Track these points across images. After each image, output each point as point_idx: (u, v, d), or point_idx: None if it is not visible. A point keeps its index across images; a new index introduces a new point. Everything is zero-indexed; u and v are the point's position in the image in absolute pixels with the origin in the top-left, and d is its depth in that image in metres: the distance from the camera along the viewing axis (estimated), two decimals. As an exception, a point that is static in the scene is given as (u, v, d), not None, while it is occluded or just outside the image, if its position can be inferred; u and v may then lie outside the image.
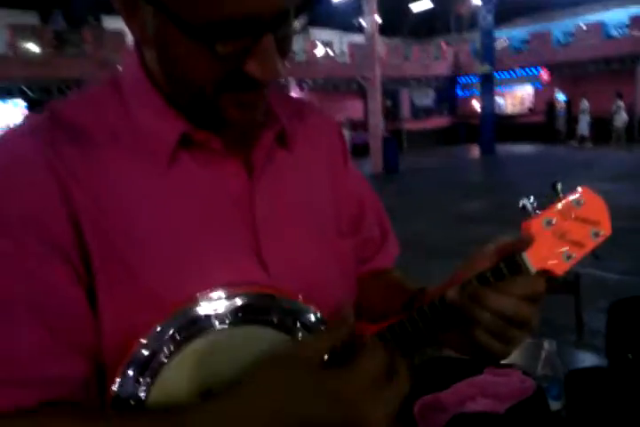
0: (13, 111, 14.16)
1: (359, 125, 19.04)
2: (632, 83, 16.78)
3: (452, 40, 23.23)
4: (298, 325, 0.56)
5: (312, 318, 0.57)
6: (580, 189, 0.56)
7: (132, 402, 0.50)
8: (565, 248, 0.55)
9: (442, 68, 21.51)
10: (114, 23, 17.38)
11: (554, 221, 0.54)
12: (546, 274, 0.54)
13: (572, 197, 0.55)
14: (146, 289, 0.52)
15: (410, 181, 11.44)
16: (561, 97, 17.43)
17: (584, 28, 17.69)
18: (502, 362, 1.36)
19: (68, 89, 13.55)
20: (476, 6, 16.49)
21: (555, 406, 1.21)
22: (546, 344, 1.22)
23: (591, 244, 0.55)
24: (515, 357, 1.47)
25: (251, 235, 0.58)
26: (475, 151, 16.56)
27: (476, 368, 1.27)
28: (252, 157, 0.59)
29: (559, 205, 0.55)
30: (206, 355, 0.52)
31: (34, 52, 12.82)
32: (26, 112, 14.90)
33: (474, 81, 18.73)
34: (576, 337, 1.89)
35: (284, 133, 0.63)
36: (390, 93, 21.17)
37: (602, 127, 15.49)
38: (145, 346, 0.50)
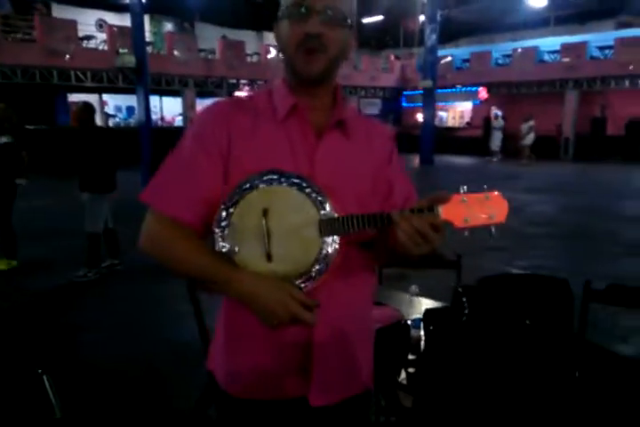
0: (-48, 94, 13.71)
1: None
2: (560, 105, 18.16)
3: (401, 54, 24.22)
4: (318, 199, 0.97)
5: (328, 206, 0.97)
6: (495, 193, 0.93)
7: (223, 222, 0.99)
8: (467, 216, 0.91)
9: (389, 80, 22.37)
10: (63, 12, 17.17)
11: (467, 200, 0.92)
12: (448, 222, 0.92)
13: (485, 194, 0.93)
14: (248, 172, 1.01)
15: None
16: (499, 113, 18.63)
17: (520, 51, 18.95)
18: (382, 302, 1.83)
19: (14, 75, 13.30)
20: (423, 23, 17.36)
21: (416, 333, 1.69)
22: (412, 289, 1.69)
23: (485, 220, 0.92)
24: (391, 300, 1.95)
25: (308, 165, 1.03)
26: (415, 160, 17.40)
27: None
28: (323, 129, 1.06)
29: (475, 195, 0.92)
30: (263, 195, 0.98)
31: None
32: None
33: (419, 93, 19.63)
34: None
35: (344, 122, 1.08)
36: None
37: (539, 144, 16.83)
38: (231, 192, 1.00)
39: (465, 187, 0.94)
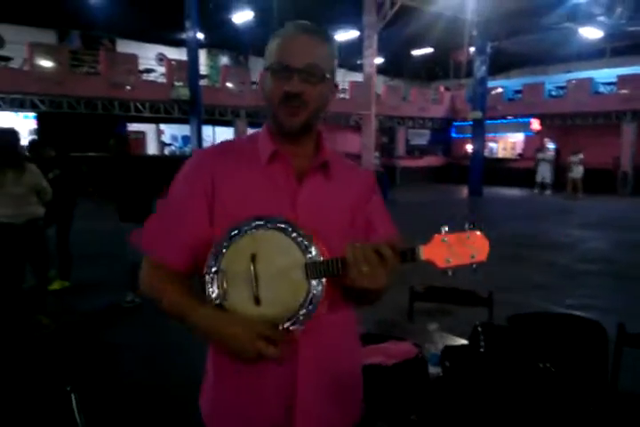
0: (23, 123, 14.70)
1: (355, 159, 19.65)
2: (617, 137, 17.59)
3: (451, 85, 24.24)
4: (304, 243, 0.99)
5: (313, 250, 0.99)
6: (477, 232, 0.95)
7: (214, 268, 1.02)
8: (448, 256, 0.94)
9: (438, 111, 22.37)
10: (126, 46, 18.26)
11: (447, 240, 0.94)
12: (430, 262, 0.95)
13: (466, 233, 0.94)
14: (232, 217, 1.05)
15: (396, 214, 11.93)
16: (551, 146, 18.21)
17: (575, 82, 18.60)
18: (401, 337, 1.80)
19: (78, 106, 14.16)
20: (473, 55, 17.39)
21: (434, 370, 1.65)
22: (431, 326, 1.67)
23: (467, 260, 0.94)
24: (417, 335, 1.91)
25: (290, 208, 1.07)
26: (463, 191, 17.15)
27: (382, 340, 1.71)
28: (305, 173, 1.11)
29: (456, 235, 0.95)
30: (250, 240, 1.01)
31: (49, 69, 13.43)
32: (35, 124, 15.44)
33: (469, 124, 19.50)
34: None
35: (327, 164, 1.13)
36: (387, 131, 21.98)
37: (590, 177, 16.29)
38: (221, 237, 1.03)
39: (446, 227, 0.96)
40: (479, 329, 1.60)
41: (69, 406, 1.56)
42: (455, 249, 0.94)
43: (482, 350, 1.51)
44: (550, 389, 1.43)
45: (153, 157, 15.88)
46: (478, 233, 0.95)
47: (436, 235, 0.95)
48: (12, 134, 4.12)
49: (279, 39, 1.08)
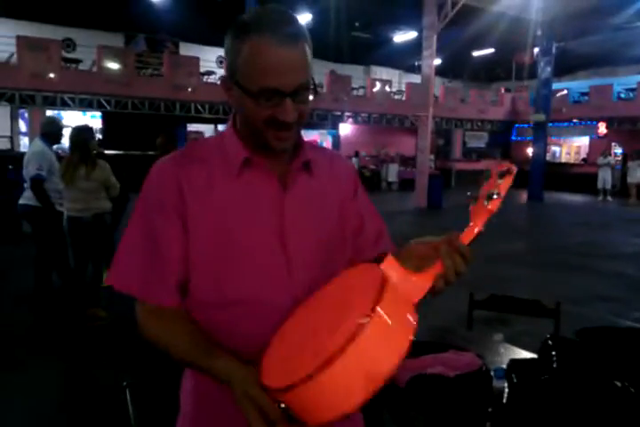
0: (90, 122, 15.37)
1: (409, 161, 19.47)
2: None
3: (512, 87, 23.54)
4: None
5: None
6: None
7: None
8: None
9: (498, 113, 21.77)
10: (189, 49, 18.78)
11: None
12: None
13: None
14: (212, 239, 0.95)
15: (450, 217, 11.62)
16: (618, 150, 17.37)
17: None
18: (463, 348, 1.73)
19: (142, 106, 14.67)
20: (537, 56, 16.81)
21: (499, 384, 1.57)
22: (496, 336, 1.58)
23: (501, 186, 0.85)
24: (478, 346, 1.83)
25: (278, 220, 0.97)
26: (523, 196, 16.59)
27: (443, 349, 1.64)
28: (287, 175, 1.00)
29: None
30: None
31: (115, 71, 13.99)
32: (101, 123, 16.13)
33: (530, 127, 18.87)
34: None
35: (309, 163, 1.03)
36: (444, 133, 21.59)
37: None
38: None
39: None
40: (550, 343, 1.50)
41: (124, 401, 1.58)
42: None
43: (554, 365, 1.42)
44: (628, 410, 1.33)
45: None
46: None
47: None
48: (87, 131, 4.28)
49: (249, 49, 0.88)
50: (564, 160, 21.39)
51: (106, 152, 7.66)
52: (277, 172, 1.00)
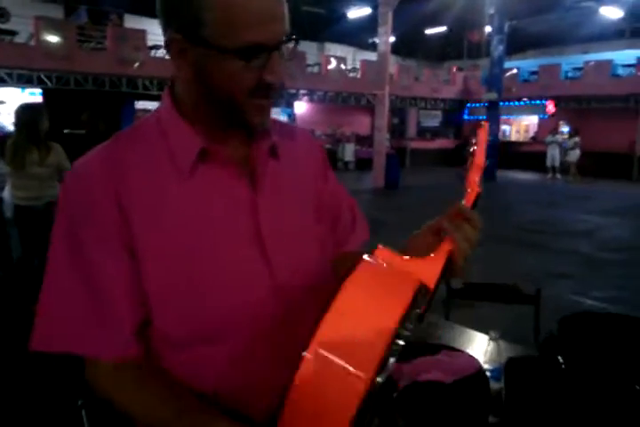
0: (29, 99, 14.44)
1: (365, 140, 19.41)
2: (634, 121, 17.17)
3: (464, 65, 23.69)
4: None
5: None
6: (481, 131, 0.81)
7: None
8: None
9: (451, 92, 21.90)
10: (135, 22, 17.84)
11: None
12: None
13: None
14: (161, 266, 0.73)
15: (408, 198, 11.69)
16: (565, 129, 17.82)
17: (592, 64, 18.08)
18: (456, 348, 1.61)
19: (85, 82, 13.87)
20: (489, 35, 16.91)
21: (496, 386, 1.45)
22: (491, 334, 1.47)
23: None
24: (466, 345, 1.72)
25: (253, 224, 0.78)
26: (475, 175, 16.86)
27: (435, 350, 1.51)
28: (254, 165, 0.81)
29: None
30: None
31: (55, 45, 13.12)
32: (41, 100, 15.20)
33: (482, 106, 19.09)
34: (533, 340, 2.14)
35: (275, 147, 0.85)
36: (398, 112, 21.57)
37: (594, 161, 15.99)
38: None
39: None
40: (552, 339, 1.40)
41: (80, 423, 1.38)
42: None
43: (563, 366, 1.31)
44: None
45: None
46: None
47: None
48: (37, 110, 3.85)
49: None
50: (513, 139, 21.82)
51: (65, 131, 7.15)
52: (237, 158, 0.80)
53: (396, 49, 20.26)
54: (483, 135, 0.81)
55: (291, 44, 0.76)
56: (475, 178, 0.79)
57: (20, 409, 2.80)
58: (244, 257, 0.78)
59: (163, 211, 0.74)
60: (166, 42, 0.75)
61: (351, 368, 0.54)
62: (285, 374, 0.70)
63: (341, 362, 0.54)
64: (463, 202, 0.77)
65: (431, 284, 0.66)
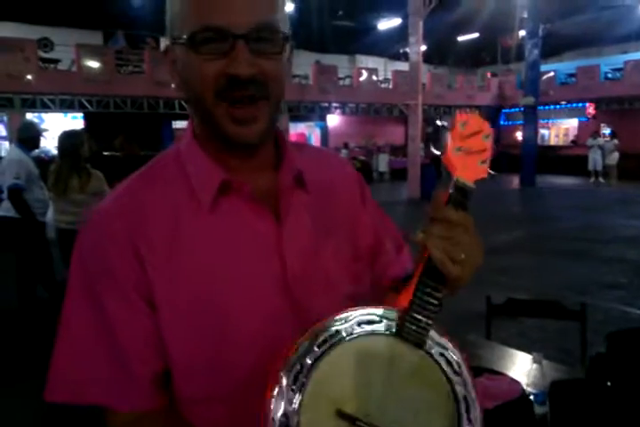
0: (71, 123, 15.01)
1: (399, 150, 19.31)
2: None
3: (498, 71, 23.36)
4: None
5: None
6: (456, 115, 0.71)
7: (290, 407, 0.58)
8: (477, 159, 0.70)
9: (486, 99, 21.60)
10: (171, 44, 18.37)
11: (459, 147, 0.69)
12: (480, 180, 0.70)
13: (457, 124, 0.70)
14: (181, 317, 0.68)
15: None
16: (607, 131, 17.30)
17: (632, 64, 17.52)
18: (497, 371, 1.55)
19: (124, 105, 14.34)
20: (523, 39, 16.63)
21: (540, 410, 1.39)
22: (534, 356, 1.41)
23: (487, 144, 0.71)
24: (508, 367, 1.66)
25: (278, 263, 0.71)
26: (515, 181, 16.50)
27: (476, 373, 1.46)
28: (277, 198, 0.73)
29: (454, 133, 0.70)
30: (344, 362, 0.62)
31: (96, 70, 13.63)
32: (82, 124, 15.78)
33: (519, 111, 18.75)
34: (580, 358, 2.05)
35: (302, 176, 0.76)
36: (433, 121, 21.41)
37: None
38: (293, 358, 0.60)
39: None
40: (599, 360, 1.34)
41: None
42: (470, 147, 0.71)
43: (610, 388, 1.25)
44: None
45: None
46: (458, 115, 0.71)
47: (448, 153, 0.70)
48: (77, 136, 3.97)
49: None
50: (552, 143, 21.30)
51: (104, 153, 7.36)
52: (260, 191, 0.72)
53: (427, 57, 20.18)
54: (473, 123, 0.71)
55: (272, 38, 0.66)
56: (453, 163, 0.69)
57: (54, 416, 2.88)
58: (268, 307, 0.71)
59: (181, 258, 0.69)
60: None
61: None
62: None
63: None
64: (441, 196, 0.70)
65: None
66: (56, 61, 14.03)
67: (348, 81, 18.89)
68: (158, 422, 0.72)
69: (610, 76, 18.87)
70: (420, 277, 0.65)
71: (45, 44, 16.10)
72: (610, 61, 18.90)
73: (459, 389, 0.64)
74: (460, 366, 0.64)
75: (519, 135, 18.48)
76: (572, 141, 20.61)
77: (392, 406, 0.62)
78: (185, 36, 0.64)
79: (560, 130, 21.40)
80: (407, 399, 0.63)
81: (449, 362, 0.64)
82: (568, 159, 19.26)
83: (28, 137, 4.18)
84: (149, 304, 0.68)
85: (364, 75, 18.23)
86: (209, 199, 0.70)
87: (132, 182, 0.74)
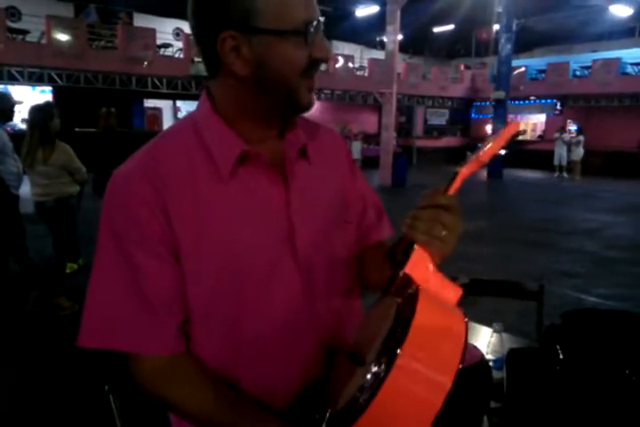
0: (39, 97, 14.60)
1: (372, 138, 19.47)
2: (643, 119, 17.14)
3: (472, 63, 23.68)
4: None
5: None
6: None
7: None
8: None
9: (458, 90, 21.91)
10: (144, 21, 17.97)
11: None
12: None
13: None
14: (207, 273, 0.77)
15: (415, 196, 11.67)
16: (573, 127, 17.80)
17: (601, 62, 18.03)
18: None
19: (95, 80, 14.02)
20: (497, 33, 16.89)
21: (498, 375, 1.54)
22: (495, 326, 1.54)
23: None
24: (471, 338, 1.79)
25: (287, 224, 0.82)
26: (483, 174, 16.88)
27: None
28: (286, 168, 0.83)
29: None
30: None
31: (66, 43, 13.25)
32: (51, 98, 15.36)
33: (489, 104, 19.09)
34: (536, 335, 2.22)
35: (305, 149, 0.87)
36: (405, 110, 21.61)
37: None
38: None
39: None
40: (550, 331, 1.48)
41: (109, 409, 1.45)
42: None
43: (561, 357, 1.39)
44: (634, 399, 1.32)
45: (143, 133, 15.37)
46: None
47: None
48: (47, 110, 4.02)
49: None
50: (520, 137, 21.82)
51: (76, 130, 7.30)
52: (271, 157, 0.82)
53: (403, 47, 20.30)
54: (509, 130, 0.78)
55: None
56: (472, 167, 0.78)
57: (49, 396, 2.92)
58: (277, 263, 0.81)
59: (204, 215, 0.76)
60: (221, 39, 0.75)
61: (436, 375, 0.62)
62: (315, 365, 0.80)
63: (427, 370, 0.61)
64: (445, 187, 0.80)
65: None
66: (25, 32, 13.58)
67: (323, 66, 18.85)
68: (189, 363, 0.79)
69: (578, 73, 19.37)
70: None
71: (13, 13, 15.53)
72: (579, 59, 19.38)
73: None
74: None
75: (489, 128, 18.86)
76: (539, 136, 21.16)
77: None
78: (285, 29, 0.73)
79: (528, 125, 21.92)
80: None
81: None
82: (535, 154, 19.80)
83: (1, 109, 4.12)
84: (175, 257, 0.76)
85: (341, 61, 18.24)
86: (229, 167, 0.78)
87: (150, 148, 0.82)
